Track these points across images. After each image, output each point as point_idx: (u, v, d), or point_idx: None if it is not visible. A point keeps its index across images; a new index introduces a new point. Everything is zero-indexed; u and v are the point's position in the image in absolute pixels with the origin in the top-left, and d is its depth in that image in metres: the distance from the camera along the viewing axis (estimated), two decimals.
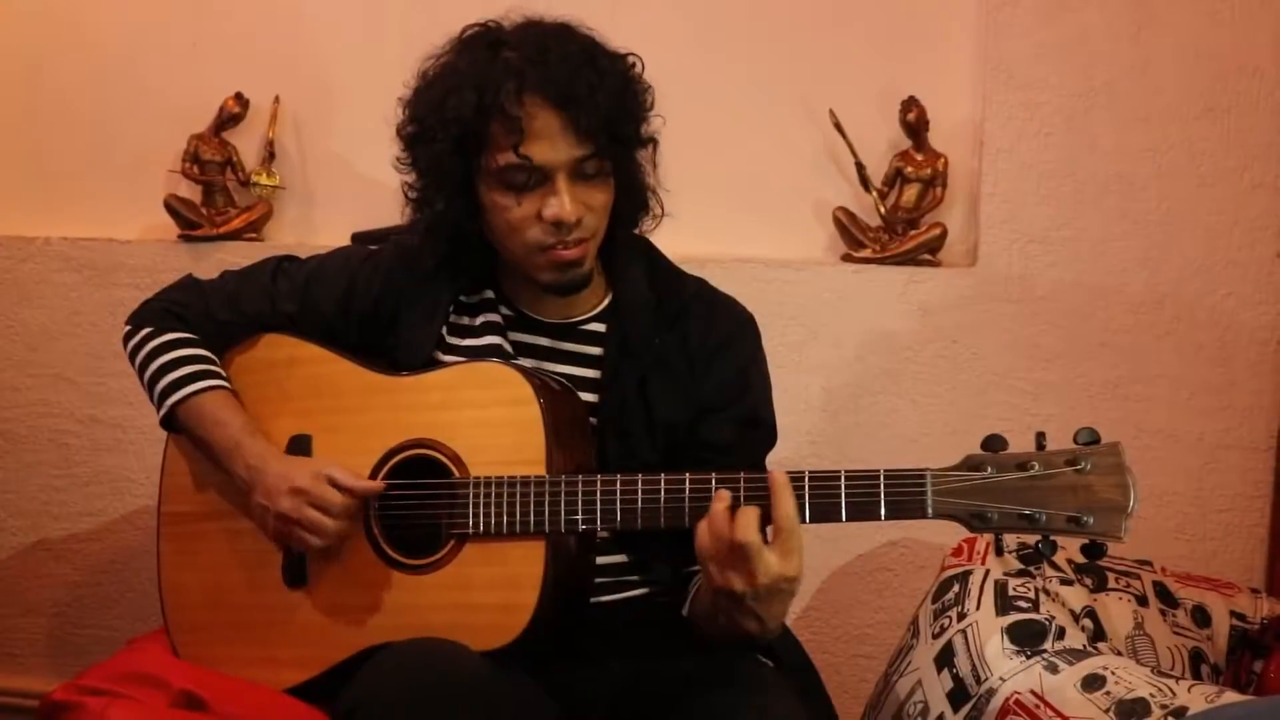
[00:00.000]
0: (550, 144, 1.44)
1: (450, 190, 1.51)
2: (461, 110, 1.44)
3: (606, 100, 1.45)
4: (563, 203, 1.45)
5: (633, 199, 1.58)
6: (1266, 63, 2.08)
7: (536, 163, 1.44)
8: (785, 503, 1.32)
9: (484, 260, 1.61)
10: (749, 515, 1.32)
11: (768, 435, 1.63)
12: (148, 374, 1.64)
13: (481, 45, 1.49)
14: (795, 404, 2.16)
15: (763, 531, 1.33)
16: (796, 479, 1.35)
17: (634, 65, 1.54)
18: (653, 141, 1.57)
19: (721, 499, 1.35)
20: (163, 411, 1.62)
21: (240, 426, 1.58)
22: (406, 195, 1.58)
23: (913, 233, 2.19)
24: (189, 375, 1.61)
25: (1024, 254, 2.16)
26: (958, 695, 1.61)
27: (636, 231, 1.64)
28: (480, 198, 1.51)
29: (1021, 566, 1.76)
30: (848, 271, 2.20)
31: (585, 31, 1.51)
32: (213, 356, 1.65)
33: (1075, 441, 1.31)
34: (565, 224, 1.46)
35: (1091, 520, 1.28)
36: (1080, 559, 1.82)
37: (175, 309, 1.67)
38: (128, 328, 1.69)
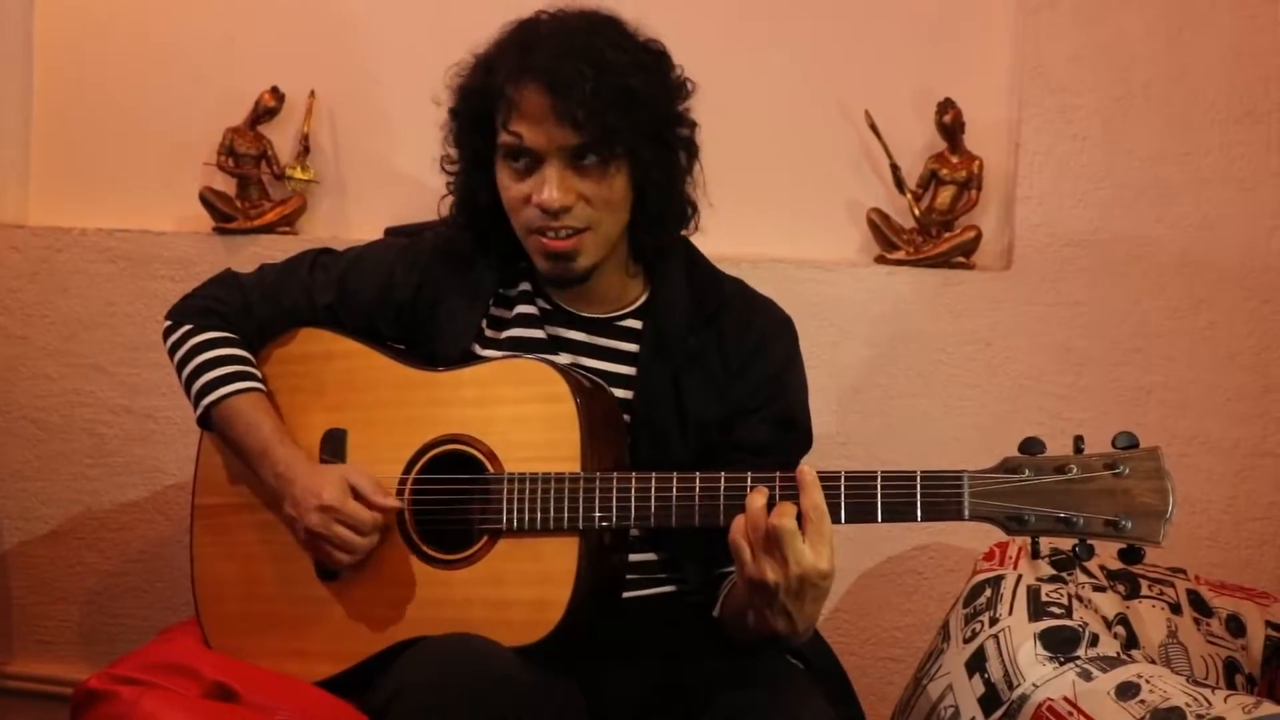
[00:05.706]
0: (541, 127, 1.46)
1: (468, 165, 1.58)
2: (472, 88, 1.52)
3: (606, 91, 1.44)
4: (548, 188, 1.47)
5: (661, 201, 1.56)
6: None
7: (527, 143, 1.47)
8: (813, 494, 1.33)
9: (520, 251, 1.61)
10: (785, 505, 1.32)
11: (803, 438, 1.63)
12: (185, 372, 1.65)
13: (515, 31, 1.53)
14: (826, 405, 2.15)
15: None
16: (832, 479, 1.35)
17: (659, 63, 1.53)
18: (686, 147, 1.57)
19: (761, 493, 1.35)
20: (198, 411, 1.63)
21: (270, 432, 1.58)
22: (444, 169, 1.64)
23: (947, 235, 2.18)
24: (224, 376, 1.62)
25: (1059, 257, 2.14)
26: (989, 701, 1.60)
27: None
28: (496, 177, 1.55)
29: (1054, 572, 1.75)
30: (881, 273, 2.19)
31: (610, 22, 1.52)
32: (249, 356, 1.66)
33: (1114, 445, 1.31)
34: (549, 209, 1.48)
35: (1130, 524, 1.27)
36: (1112, 565, 1.82)
37: (214, 305, 1.68)
38: (167, 323, 1.70)
